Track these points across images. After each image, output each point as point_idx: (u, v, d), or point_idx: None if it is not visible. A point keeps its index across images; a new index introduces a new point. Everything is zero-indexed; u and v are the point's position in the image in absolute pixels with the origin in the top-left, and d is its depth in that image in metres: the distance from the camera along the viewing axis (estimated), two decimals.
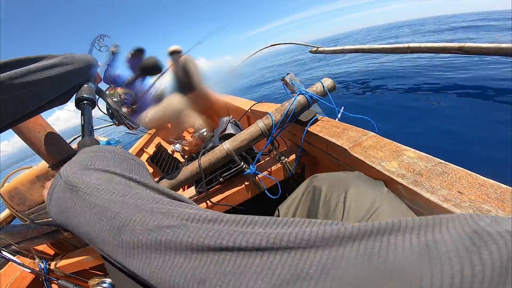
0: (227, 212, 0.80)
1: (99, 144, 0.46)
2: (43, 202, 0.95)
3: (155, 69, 0.93)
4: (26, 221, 1.04)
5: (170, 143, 2.25)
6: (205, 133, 2.15)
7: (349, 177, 0.47)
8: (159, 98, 1.98)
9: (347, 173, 0.50)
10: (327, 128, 0.71)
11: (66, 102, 0.53)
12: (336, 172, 0.50)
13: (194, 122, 2.26)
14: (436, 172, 0.42)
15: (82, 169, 0.29)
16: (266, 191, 0.87)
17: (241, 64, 2.65)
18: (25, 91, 0.38)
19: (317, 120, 0.78)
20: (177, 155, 2.17)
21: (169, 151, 2.04)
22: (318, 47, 2.02)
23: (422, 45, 2.37)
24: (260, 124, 0.79)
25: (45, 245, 1.23)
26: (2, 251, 1.03)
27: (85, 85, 0.57)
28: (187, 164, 2.03)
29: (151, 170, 2.04)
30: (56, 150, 0.66)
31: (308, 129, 0.76)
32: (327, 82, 0.79)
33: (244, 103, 1.65)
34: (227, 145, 0.80)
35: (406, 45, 2.38)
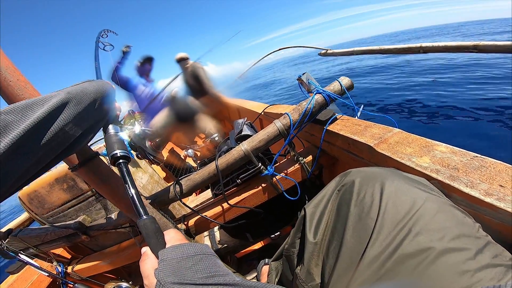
0: (246, 214, 0.79)
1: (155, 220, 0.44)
2: (62, 204, 0.97)
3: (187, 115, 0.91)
4: (45, 224, 1.06)
5: (182, 148, 2.28)
6: (216, 138, 2.17)
7: (384, 172, 0.43)
8: (171, 102, 2.03)
9: (382, 169, 0.45)
10: (348, 126, 0.70)
11: (75, 151, 0.47)
12: (369, 168, 0.46)
13: (206, 127, 2.28)
14: (472, 166, 0.40)
15: (177, 283, 0.32)
16: (284, 192, 0.85)
17: (250, 69, 2.68)
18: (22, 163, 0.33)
19: (336, 119, 0.77)
20: (189, 160, 2.18)
21: (182, 156, 2.06)
22: (327, 50, 2.02)
23: (435, 44, 2.32)
24: (278, 124, 0.78)
25: (62, 248, 1.25)
26: (20, 254, 1.05)
27: (110, 130, 0.56)
28: (199, 169, 2.04)
29: (163, 174, 2.06)
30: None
31: (328, 128, 0.75)
32: (345, 80, 0.78)
33: (257, 106, 1.65)
34: (244, 146, 0.79)
35: (418, 44, 2.35)
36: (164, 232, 0.45)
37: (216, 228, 1.37)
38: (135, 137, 0.63)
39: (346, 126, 0.71)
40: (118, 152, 0.53)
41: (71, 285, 1.12)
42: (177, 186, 0.85)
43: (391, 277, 0.31)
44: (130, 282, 1.00)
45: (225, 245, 1.22)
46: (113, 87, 0.57)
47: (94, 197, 0.96)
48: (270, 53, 2.28)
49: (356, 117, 0.78)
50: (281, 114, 1.10)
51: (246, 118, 1.02)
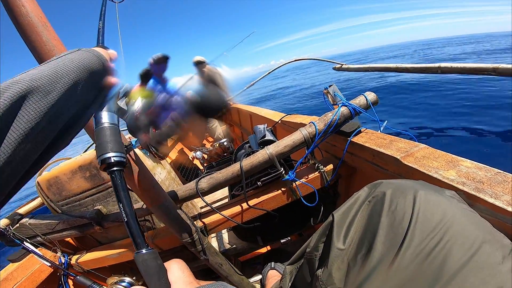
0: (261, 217, 0.83)
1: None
2: (81, 193, 1.00)
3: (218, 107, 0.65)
4: (57, 211, 1.09)
5: (191, 150, 2.33)
6: (225, 143, 2.23)
7: (415, 185, 0.45)
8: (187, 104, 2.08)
9: (412, 181, 0.48)
10: (373, 139, 0.76)
11: (66, 145, 0.38)
12: (400, 180, 0.49)
13: (216, 131, 2.34)
14: (496, 180, 0.46)
15: None
16: (302, 198, 0.90)
17: (262, 78, 2.77)
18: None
19: (360, 131, 0.83)
20: (196, 162, 2.23)
21: (190, 157, 2.11)
22: (342, 64, 2.10)
23: (454, 65, 2.34)
24: (303, 132, 0.84)
25: (67, 239, 1.27)
26: (25, 242, 1.06)
27: (103, 120, 0.44)
28: (206, 172, 2.08)
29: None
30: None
31: (352, 139, 0.81)
32: (370, 96, 0.85)
33: (272, 114, 1.72)
34: (269, 150, 0.85)
35: (436, 65, 2.40)
36: (167, 268, 0.42)
37: (224, 230, 1.40)
38: (136, 118, 0.52)
39: (371, 139, 0.77)
40: (112, 156, 0.42)
41: (72, 277, 1.14)
42: (199, 183, 0.89)
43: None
44: (133, 278, 1.03)
45: (233, 247, 1.26)
46: (108, 56, 0.45)
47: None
48: (284, 64, 2.37)
49: (379, 131, 0.84)
50: (300, 124, 1.16)
51: (266, 125, 1.08)
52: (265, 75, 2.50)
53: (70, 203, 1.04)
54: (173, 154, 2.34)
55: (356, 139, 0.80)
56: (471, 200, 0.46)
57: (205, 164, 2.18)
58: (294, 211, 1.03)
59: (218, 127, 2.56)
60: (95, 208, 0.99)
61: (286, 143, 0.85)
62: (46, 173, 1.01)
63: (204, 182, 0.89)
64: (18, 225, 1.07)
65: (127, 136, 0.78)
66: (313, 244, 0.59)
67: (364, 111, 0.83)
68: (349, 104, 0.83)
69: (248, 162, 0.86)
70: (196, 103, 0.61)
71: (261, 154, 0.85)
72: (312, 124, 0.85)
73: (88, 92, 0.38)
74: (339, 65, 2.12)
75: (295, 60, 2.35)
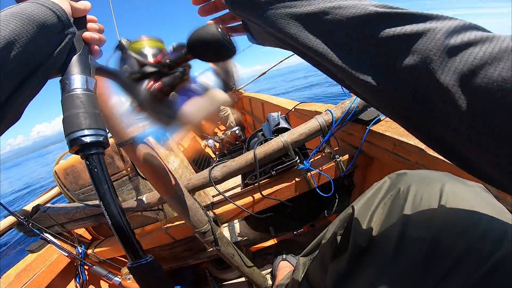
0: (274, 207, 0.82)
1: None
2: None
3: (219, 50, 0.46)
4: (74, 201, 1.13)
5: (203, 138, 2.35)
6: (237, 131, 2.23)
7: (442, 176, 0.43)
8: (204, 91, 2.10)
9: (438, 172, 0.45)
10: (394, 128, 0.74)
11: (18, 117, 0.33)
12: (425, 171, 0.47)
13: (228, 119, 2.35)
14: None
15: None
16: (317, 188, 0.90)
17: (270, 70, 2.76)
18: None
19: (379, 120, 0.81)
20: (208, 150, 2.25)
21: (202, 146, 2.13)
22: None
23: None
24: (319, 120, 0.83)
25: (83, 229, 1.32)
26: (43, 233, 1.10)
27: (72, 85, 0.34)
28: (218, 160, 2.10)
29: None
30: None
31: (371, 128, 0.79)
32: None
33: (284, 102, 1.70)
34: (284, 138, 0.84)
35: None
36: None
37: (236, 220, 1.42)
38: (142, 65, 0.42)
39: (391, 127, 0.75)
40: (88, 134, 0.31)
41: (88, 267, 1.18)
42: (212, 172, 0.90)
43: None
44: None
45: (245, 237, 1.27)
46: (70, 8, 0.36)
47: (128, 176, 1.02)
48: (289, 56, 2.31)
49: None
50: (315, 112, 1.14)
51: (280, 112, 1.07)
52: (279, 63, 2.46)
53: (86, 192, 1.07)
54: (185, 143, 2.37)
55: (375, 128, 0.78)
56: (501, 194, 0.44)
57: (216, 153, 2.20)
58: (307, 201, 1.03)
59: (231, 115, 2.58)
60: None
61: (301, 131, 0.84)
62: (63, 162, 1.04)
63: (217, 171, 0.90)
64: (37, 215, 1.11)
65: (140, 125, 0.76)
66: (329, 236, 0.59)
67: None
68: None
69: (262, 150, 0.85)
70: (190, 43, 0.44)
71: (276, 142, 0.85)
72: (328, 111, 0.83)
73: (39, 49, 0.32)
74: None
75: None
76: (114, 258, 1.22)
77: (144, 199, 0.98)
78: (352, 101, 0.80)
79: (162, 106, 0.44)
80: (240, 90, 2.88)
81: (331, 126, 0.82)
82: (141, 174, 1.03)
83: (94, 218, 1.06)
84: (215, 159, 2.11)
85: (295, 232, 1.28)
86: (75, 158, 1.00)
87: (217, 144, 2.30)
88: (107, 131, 0.39)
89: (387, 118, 0.82)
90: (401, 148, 0.68)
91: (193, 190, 0.93)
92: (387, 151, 0.74)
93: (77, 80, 0.34)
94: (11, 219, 1.14)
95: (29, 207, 1.20)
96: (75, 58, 0.36)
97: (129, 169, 1.00)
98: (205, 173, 0.90)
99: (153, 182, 0.79)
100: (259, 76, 2.66)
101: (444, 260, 0.33)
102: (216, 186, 0.90)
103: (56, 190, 1.31)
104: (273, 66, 2.34)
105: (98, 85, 0.38)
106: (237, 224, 1.39)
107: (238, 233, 1.34)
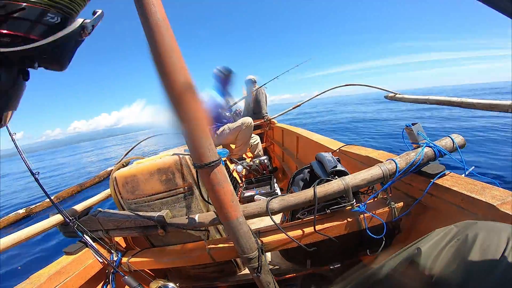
0: (321, 242, 0.86)
1: None
2: (152, 195, 1.08)
3: None
4: (124, 208, 1.18)
5: (232, 162, 2.42)
6: (265, 161, 2.29)
7: (510, 228, 0.46)
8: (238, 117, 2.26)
9: (508, 225, 0.48)
10: (461, 184, 0.77)
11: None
12: (495, 222, 0.51)
13: (256, 147, 2.43)
14: None
15: None
16: (368, 230, 0.92)
17: (306, 103, 2.87)
18: None
19: (444, 174, 0.85)
20: (235, 175, 2.30)
21: (231, 170, 2.19)
22: (396, 94, 2.08)
23: None
24: (383, 168, 0.87)
25: (120, 237, 1.34)
26: (84, 236, 1.13)
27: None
28: (245, 188, 2.13)
29: None
30: (205, 153, 0.77)
31: (435, 181, 0.83)
32: (458, 138, 0.86)
33: (325, 141, 1.75)
34: (346, 181, 0.88)
35: (509, 102, 2.26)
36: None
37: None
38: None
39: (458, 183, 0.78)
40: None
41: (120, 276, 1.19)
42: (270, 203, 0.94)
43: None
44: (177, 284, 1.06)
45: (277, 266, 1.27)
46: None
47: (183, 194, 1.07)
48: (334, 88, 2.42)
49: (463, 175, 0.85)
50: (366, 157, 1.19)
51: (331, 153, 1.12)
52: (314, 97, 2.58)
53: (138, 203, 1.11)
54: None
55: (440, 181, 0.82)
56: None
57: (243, 179, 2.24)
58: (351, 239, 1.04)
59: (259, 144, 2.67)
60: (162, 211, 1.06)
61: (364, 177, 0.88)
62: (125, 170, 1.09)
63: (276, 203, 0.94)
64: (86, 217, 1.15)
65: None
66: (387, 271, 0.62)
67: (449, 154, 0.85)
68: (434, 145, 0.85)
69: (322, 190, 0.90)
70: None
71: (337, 184, 0.89)
72: (392, 161, 0.88)
73: None
74: (392, 94, 2.10)
75: (346, 85, 2.39)
76: (143, 270, 1.23)
77: (196, 218, 1.01)
78: (418, 154, 0.85)
79: None
80: (272, 120, 3.00)
81: (393, 175, 0.86)
82: (204, 195, 1.07)
83: (142, 229, 1.10)
84: (241, 184, 2.15)
85: (331, 267, 1.27)
86: (138, 169, 1.05)
87: (244, 171, 2.35)
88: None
89: (452, 173, 0.85)
90: (470, 203, 0.71)
91: (247, 217, 0.97)
92: (451, 204, 0.77)
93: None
94: (58, 218, 1.17)
95: (78, 207, 1.25)
96: None
97: (186, 187, 1.06)
98: (262, 203, 0.95)
99: (218, 206, 0.83)
100: (293, 108, 2.78)
101: None
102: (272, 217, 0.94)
103: (104, 193, 1.36)
104: (310, 100, 2.45)
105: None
106: (268, 253, 1.40)
107: (269, 261, 1.34)
